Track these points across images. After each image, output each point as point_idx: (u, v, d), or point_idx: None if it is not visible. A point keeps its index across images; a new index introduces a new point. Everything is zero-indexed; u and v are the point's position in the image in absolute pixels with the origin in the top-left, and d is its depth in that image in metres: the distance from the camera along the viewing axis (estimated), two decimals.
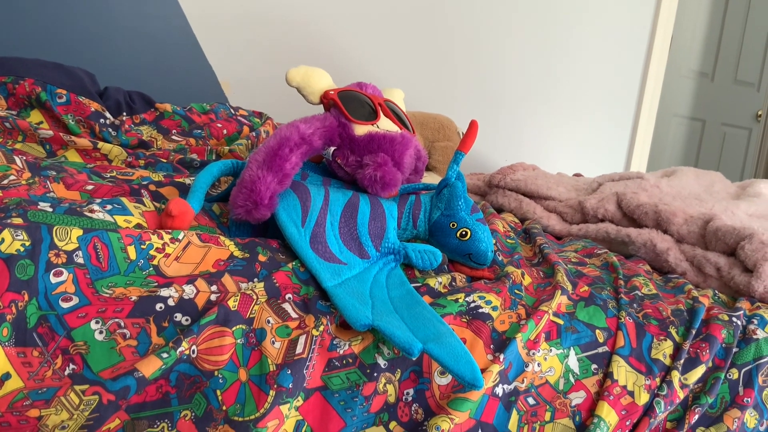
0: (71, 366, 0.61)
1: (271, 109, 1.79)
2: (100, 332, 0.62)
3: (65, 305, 0.62)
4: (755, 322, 0.88)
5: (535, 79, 2.65)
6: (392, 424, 0.71)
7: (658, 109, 2.91)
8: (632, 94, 2.82)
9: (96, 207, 0.72)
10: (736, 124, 3.97)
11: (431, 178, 1.89)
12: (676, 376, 0.79)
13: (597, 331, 0.83)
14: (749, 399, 0.81)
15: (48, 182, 0.80)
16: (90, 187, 0.83)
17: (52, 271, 0.63)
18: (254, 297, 0.70)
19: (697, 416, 0.79)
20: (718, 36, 3.74)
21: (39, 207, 0.68)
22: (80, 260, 0.65)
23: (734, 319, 0.87)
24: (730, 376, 0.83)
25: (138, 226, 0.74)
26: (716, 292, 1.01)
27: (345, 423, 0.68)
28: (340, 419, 0.68)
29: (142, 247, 0.69)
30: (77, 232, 0.66)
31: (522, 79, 2.62)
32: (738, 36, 3.78)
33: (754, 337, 0.86)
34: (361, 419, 0.69)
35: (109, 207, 0.73)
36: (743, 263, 1.02)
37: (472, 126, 0.95)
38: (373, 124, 0.95)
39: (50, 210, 0.69)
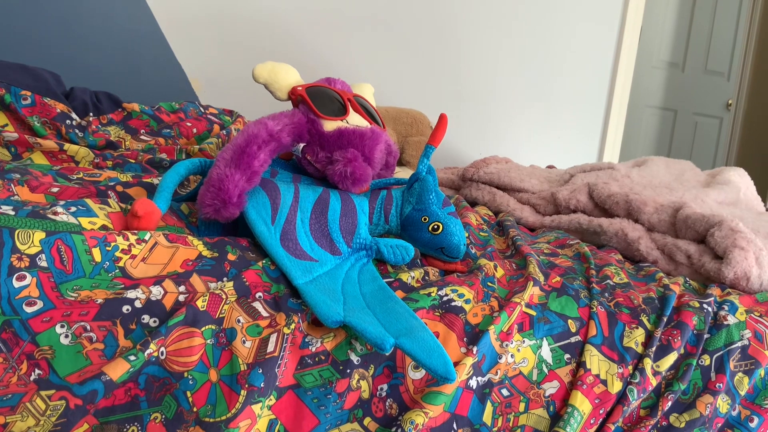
0: (37, 371, 0.60)
1: (242, 107, 1.78)
2: (66, 336, 0.61)
3: (29, 310, 0.61)
4: (726, 308, 0.89)
5: (507, 72, 2.66)
6: (366, 420, 0.70)
7: (629, 100, 2.94)
8: (603, 85, 2.84)
9: (59, 209, 0.70)
10: (707, 113, 4.03)
11: (405, 173, 1.88)
12: (648, 363, 0.80)
13: (569, 321, 0.83)
14: (721, 384, 0.82)
15: (12, 185, 0.79)
16: (55, 189, 0.81)
17: (15, 275, 0.62)
18: (223, 296, 0.69)
19: (670, 403, 0.80)
20: (687, 26, 3.78)
21: (1, 210, 0.67)
22: (44, 263, 0.64)
23: (705, 305, 0.88)
24: (702, 362, 0.84)
25: (103, 227, 0.72)
26: (687, 279, 1.02)
27: (319, 420, 0.68)
28: (314, 417, 0.68)
29: (108, 248, 0.68)
30: (40, 234, 0.65)
31: (493, 71, 2.63)
32: (707, 26, 3.83)
33: (725, 323, 0.87)
34: (334, 416, 0.69)
35: (73, 209, 0.72)
36: (713, 250, 1.03)
37: (442, 119, 0.94)
38: (342, 120, 0.94)
39: (12, 213, 0.67)
